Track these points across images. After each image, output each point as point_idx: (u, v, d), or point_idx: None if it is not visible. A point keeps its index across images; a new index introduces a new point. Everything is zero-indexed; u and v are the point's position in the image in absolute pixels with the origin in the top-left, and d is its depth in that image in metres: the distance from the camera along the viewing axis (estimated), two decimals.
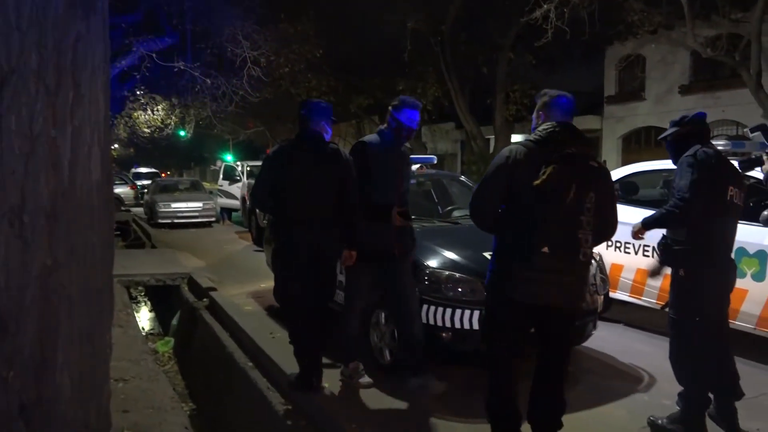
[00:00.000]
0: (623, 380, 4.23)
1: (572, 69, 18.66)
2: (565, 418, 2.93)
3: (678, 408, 3.35)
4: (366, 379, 4.00)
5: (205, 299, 6.69)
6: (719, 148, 3.77)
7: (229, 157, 25.48)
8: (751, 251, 4.34)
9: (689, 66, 16.01)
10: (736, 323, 4.50)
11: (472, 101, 17.85)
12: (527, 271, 2.69)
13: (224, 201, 16.97)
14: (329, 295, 4.09)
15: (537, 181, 2.61)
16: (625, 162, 13.86)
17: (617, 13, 12.48)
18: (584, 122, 19.87)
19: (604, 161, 18.37)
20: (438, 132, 23.57)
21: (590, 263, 2.80)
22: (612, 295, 5.56)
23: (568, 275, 2.70)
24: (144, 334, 6.99)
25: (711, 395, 3.35)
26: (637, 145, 17.99)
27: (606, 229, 2.90)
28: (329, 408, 3.62)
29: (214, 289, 6.94)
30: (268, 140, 28.78)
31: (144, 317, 8.49)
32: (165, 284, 7.90)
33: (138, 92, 15.59)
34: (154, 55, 12.53)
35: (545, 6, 11.08)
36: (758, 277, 4.33)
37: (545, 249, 2.64)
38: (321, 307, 3.96)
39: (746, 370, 4.34)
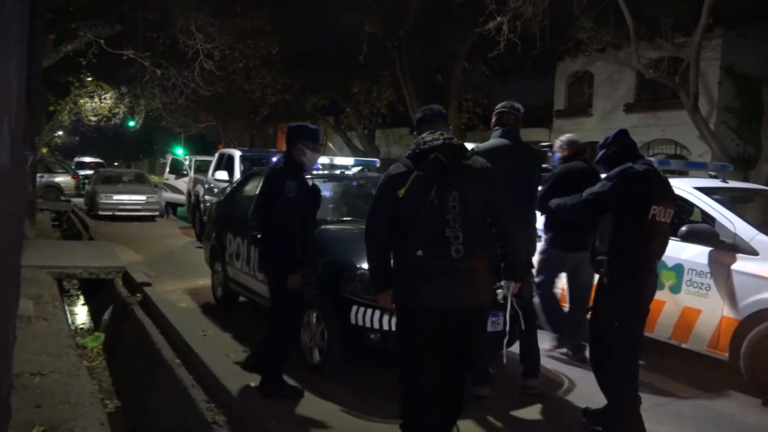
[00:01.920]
0: (544, 383, 4.36)
1: (524, 81, 19.07)
2: (481, 419, 3.01)
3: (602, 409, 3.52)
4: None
5: (138, 294, 6.54)
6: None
7: (179, 151, 24.91)
8: (669, 264, 4.53)
9: (634, 85, 16.59)
10: (654, 334, 4.70)
11: None
12: (410, 276, 2.77)
13: (169, 195, 16.56)
14: None
15: (401, 190, 2.73)
16: None
17: (568, 30, 12.86)
18: (534, 134, 20.30)
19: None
20: (392, 136, 23.70)
21: (471, 259, 2.72)
22: None
23: (449, 274, 2.72)
24: (74, 328, 6.78)
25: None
26: None
27: (498, 222, 2.89)
28: (251, 406, 3.60)
29: (148, 284, 6.79)
30: (221, 135, 28.27)
31: (76, 311, 8.22)
32: (98, 278, 7.67)
33: (87, 79, 15.05)
34: (102, 41, 12.15)
35: (499, 18, 11.29)
36: (675, 290, 4.54)
37: (419, 252, 2.73)
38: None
39: (658, 378, 4.56)
